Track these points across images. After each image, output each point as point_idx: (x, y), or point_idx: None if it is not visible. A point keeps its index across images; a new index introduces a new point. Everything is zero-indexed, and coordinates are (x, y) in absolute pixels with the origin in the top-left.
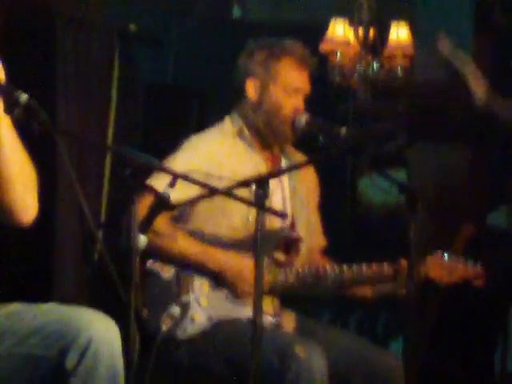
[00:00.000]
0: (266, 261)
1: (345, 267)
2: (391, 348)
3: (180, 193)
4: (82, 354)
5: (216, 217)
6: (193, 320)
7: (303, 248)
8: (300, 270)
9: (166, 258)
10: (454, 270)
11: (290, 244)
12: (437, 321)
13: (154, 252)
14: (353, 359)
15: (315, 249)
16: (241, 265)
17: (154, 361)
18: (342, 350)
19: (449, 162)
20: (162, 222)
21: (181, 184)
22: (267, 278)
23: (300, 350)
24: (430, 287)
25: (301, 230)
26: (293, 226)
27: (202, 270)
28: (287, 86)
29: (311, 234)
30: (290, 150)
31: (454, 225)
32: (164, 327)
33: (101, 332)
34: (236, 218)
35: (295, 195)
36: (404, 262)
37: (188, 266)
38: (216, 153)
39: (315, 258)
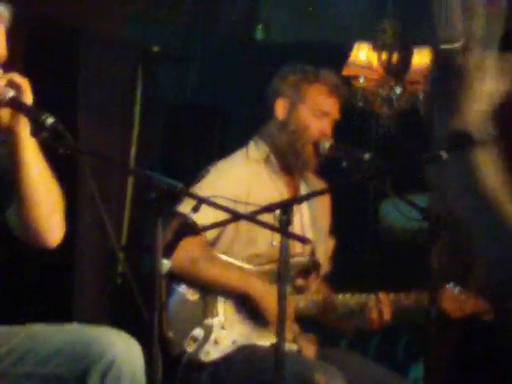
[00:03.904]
0: (288, 288)
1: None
2: (412, 372)
3: (210, 217)
4: (105, 375)
5: (241, 242)
6: (216, 343)
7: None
8: (314, 297)
9: (201, 283)
10: (464, 303)
11: (309, 269)
12: (458, 345)
13: (189, 279)
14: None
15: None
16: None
17: (179, 383)
18: (361, 376)
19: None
20: (196, 247)
21: (209, 209)
22: (292, 306)
23: (320, 377)
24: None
25: (320, 257)
26: (313, 252)
27: (235, 294)
28: (316, 109)
29: (323, 261)
30: (310, 176)
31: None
32: (188, 349)
33: (123, 352)
34: (260, 244)
35: (315, 222)
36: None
37: (221, 291)
38: (243, 179)
39: (321, 285)
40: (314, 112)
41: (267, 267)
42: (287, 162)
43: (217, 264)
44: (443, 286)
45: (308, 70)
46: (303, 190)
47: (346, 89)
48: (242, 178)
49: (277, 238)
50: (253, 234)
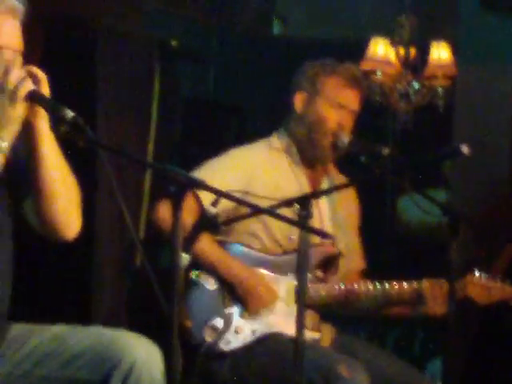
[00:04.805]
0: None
1: (381, 285)
2: (428, 367)
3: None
4: (125, 378)
5: (258, 233)
6: (236, 332)
7: (341, 266)
8: (336, 286)
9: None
10: (491, 289)
11: (329, 261)
12: (477, 340)
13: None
14: (390, 379)
15: (354, 271)
16: (253, 281)
17: (197, 372)
18: (380, 369)
19: (491, 181)
20: (187, 215)
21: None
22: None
23: (344, 370)
24: (469, 306)
25: (341, 250)
26: (333, 244)
27: (216, 275)
28: (333, 100)
29: (350, 255)
30: (333, 171)
31: (497, 245)
32: (208, 339)
33: (143, 356)
34: (278, 234)
35: (334, 216)
36: (427, 283)
37: (204, 267)
38: (259, 165)
39: (353, 280)
40: (331, 104)
41: (288, 257)
42: (306, 154)
43: (203, 238)
44: (469, 273)
45: (326, 63)
46: (325, 184)
47: (365, 82)
48: (256, 164)
49: (295, 232)
50: (270, 225)
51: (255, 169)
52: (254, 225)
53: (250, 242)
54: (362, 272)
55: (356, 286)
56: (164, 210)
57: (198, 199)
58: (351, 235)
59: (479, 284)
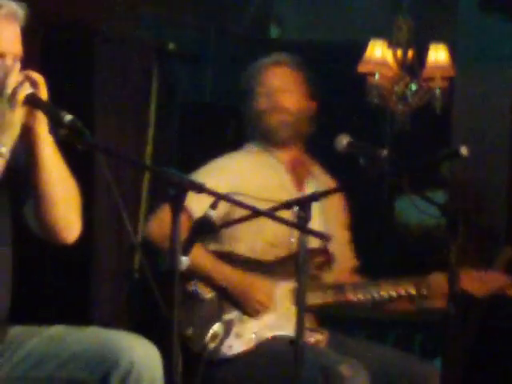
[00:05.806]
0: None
1: (376, 291)
2: None
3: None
4: (124, 379)
5: (252, 236)
6: (238, 336)
7: (334, 265)
8: (329, 297)
9: None
10: (486, 280)
11: (322, 262)
12: (476, 341)
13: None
14: (390, 368)
15: (346, 269)
16: (246, 283)
17: (200, 378)
18: (379, 362)
19: (489, 182)
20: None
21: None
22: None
23: (345, 369)
24: (469, 305)
25: (333, 249)
26: (325, 246)
27: (210, 283)
28: (261, 89)
29: (342, 254)
30: (317, 170)
31: (494, 247)
32: (210, 345)
33: (142, 356)
34: (272, 237)
35: (324, 215)
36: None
37: (198, 277)
38: (245, 169)
39: (346, 278)
40: (260, 92)
41: (281, 263)
42: (271, 142)
43: (195, 249)
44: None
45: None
46: (311, 183)
47: (294, 60)
48: (244, 167)
49: (295, 234)
50: (264, 227)
51: (242, 172)
52: (246, 229)
53: (239, 247)
54: (355, 269)
55: (350, 295)
56: (155, 227)
57: (187, 212)
58: (341, 233)
59: (472, 276)
